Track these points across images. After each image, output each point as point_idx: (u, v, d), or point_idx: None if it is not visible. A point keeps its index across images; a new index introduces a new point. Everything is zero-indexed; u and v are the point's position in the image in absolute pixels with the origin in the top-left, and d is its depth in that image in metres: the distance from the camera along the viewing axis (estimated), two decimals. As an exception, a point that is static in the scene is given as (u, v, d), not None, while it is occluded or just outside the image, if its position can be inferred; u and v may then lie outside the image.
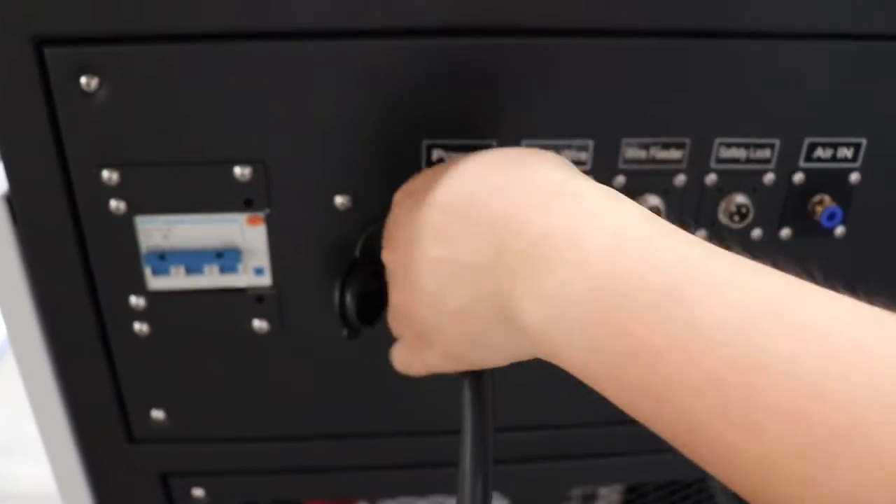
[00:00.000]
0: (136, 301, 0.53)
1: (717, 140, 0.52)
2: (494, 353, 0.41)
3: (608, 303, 0.32)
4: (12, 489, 1.69)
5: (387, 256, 0.45)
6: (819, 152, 0.53)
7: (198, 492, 0.63)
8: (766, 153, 0.52)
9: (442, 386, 0.47)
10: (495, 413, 0.44)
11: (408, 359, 0.46)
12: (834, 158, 0.53)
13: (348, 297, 0.49)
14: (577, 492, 0.84)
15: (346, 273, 0.50)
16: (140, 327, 0.54)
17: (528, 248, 0.35)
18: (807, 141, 0.52)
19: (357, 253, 0.51)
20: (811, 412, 0.26)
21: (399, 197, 0.46)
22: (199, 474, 0.62)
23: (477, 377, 0.44)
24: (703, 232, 0.54)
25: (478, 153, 0.41)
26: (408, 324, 0.44)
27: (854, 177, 0.54)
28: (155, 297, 0.53)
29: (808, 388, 0.26)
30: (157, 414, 0.59)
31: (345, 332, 0.51)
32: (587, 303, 0.33)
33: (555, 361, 0.36)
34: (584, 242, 0.34)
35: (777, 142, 0.52)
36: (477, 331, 0.40)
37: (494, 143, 0.50)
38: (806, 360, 0.27)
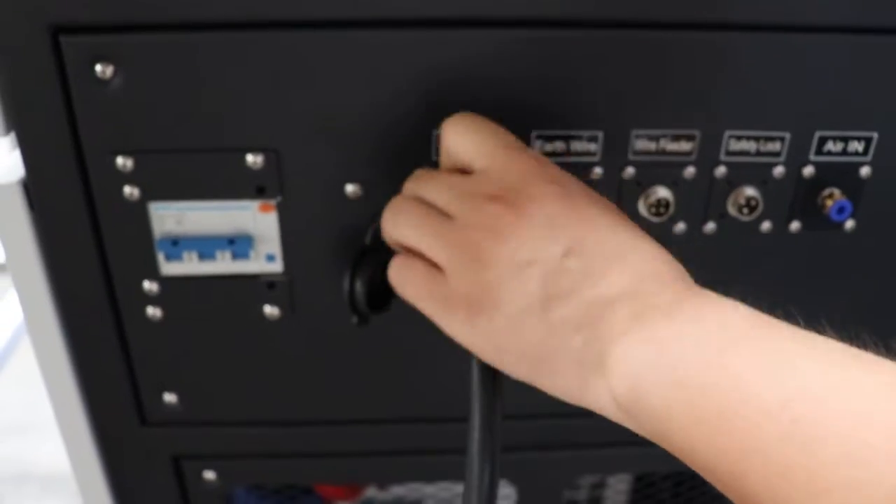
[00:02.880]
0: (149, 286, 0.54)
1: (727, 132, 0.52)
2: (548, 377, 0.40)
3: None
4: (29, 470, 1.72)
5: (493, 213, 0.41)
6: (829, 146, 0.52)
7: (209, 474, 0.64)
8: (776, 146, 0.52)
9: (452, 372, 0.47)
10: (503, 400, 0.44)
11: (435, 301, 0.43)
12: (844, 152, 0.53)
13: (358, 285, 0.50)
14: (586, 480, 0.84)
15: (355, 261, 0.50)
16: (153, 312, 0.55)
17: (663, 305, 0.37)
18: (817, 134, 0.52)
19: (367, 241, 0.52)
20: None
21: (536, 177, 0.42)
22: (210, 457, 0.63)
23: (487, 364, 0.44)
24: (711, 224, 0.54)
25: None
26: (476, 288, 0.41)
27: (865, 171, 0.53)
28: (168, 283, 0.54)
29: None
30: (170, 397, 0.59)
31: (354, 319, 0.51)
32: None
33: (631, 423, 0.38)
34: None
35: (787, 135, 0.52)
36: (554, 349, 0.39)
37: None
38: None
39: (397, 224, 0.45)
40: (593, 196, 0.42)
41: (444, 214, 0.43)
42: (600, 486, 0.85)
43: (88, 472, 0.63)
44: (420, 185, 0.46)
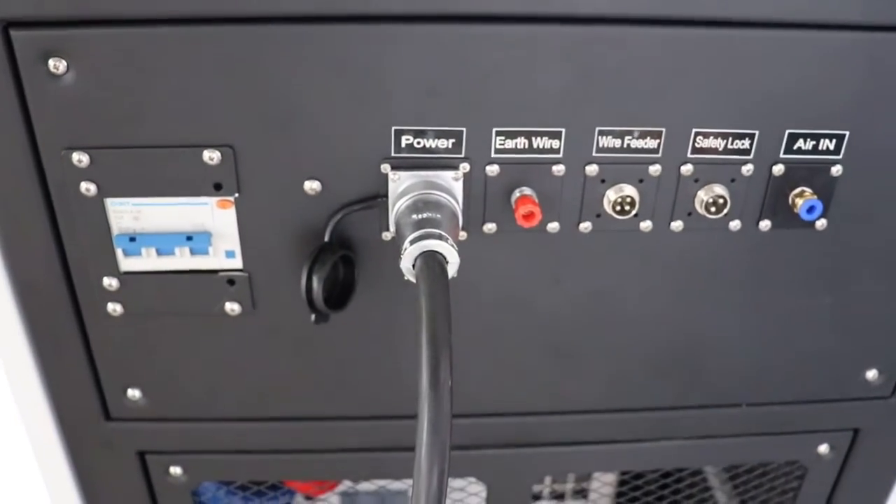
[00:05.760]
0: (108, 282, 0.54)
1: (694, 129, 0.51)
2: None
3: None
4: None
5: None
6: (800, 143, 0.52)
7: (175, 470, 0.63)
8: (744, 143, 0.51)
9: (412, 370, 0.46)
10: (451, 400, 0.43)
11: None
12: (815, 150, 0.52)
13: (315, 282, 0.49)
14: (569, 486, 0.84)
15: (313, 258, 0.50)
16: (114, 308, 0.55)
17: None
18: (787, 132, 0.51)
19: (326, 238, 0.51)
20: None
21: None
22: (176, 453, 0.63)
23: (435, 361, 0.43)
24: (678, 222, 0.54)
25: None
26: None
27: (836, 169, 0.53)
28: (127, 279, 0.54)
29: None
30: (134, 393, 0.59)
31: (313, 316, 0.51)
32: None
33: None
34: None
35: (756, 132, 0.51)
36: None
37: (465, 130, 0.49)
38: None
39: None
40: None
41: None
42: (583, 492, 0.84)
43: (55, 467, 0.62)
44: None
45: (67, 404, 0.60)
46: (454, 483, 0.71)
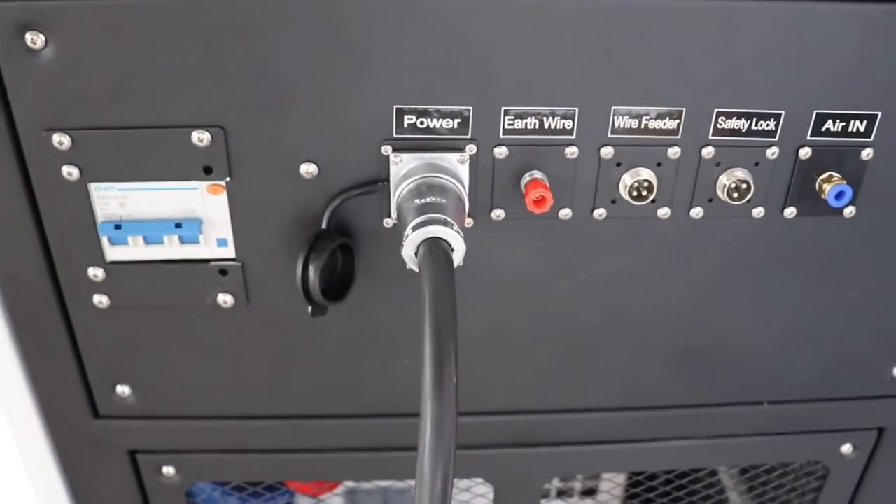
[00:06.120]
0: (94, 272, 0.52)
1: (716, 109, 0.48)
2: None
3: None
4: None
5: None
6: (829, 125, 0.50)
7: (168, 470, 0.61)
8: (769, 124, 0.49)
9: (414, 367, 0.44)
10: (457, 401, 0.41)
11: None
12: (845, 132, 0.50)
13: (311, 272, 0.47)
14: (577, 484, 0.83)
15: (309, 246, 0.47)
16: (100, 300, 0.53)
17: None
18: (815, 112, 0.49)
19: (324, 225, 0.49)
20: None
21: None
22: (168, 452, 0.61)
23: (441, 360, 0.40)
24: (698, 209, 0.51)
25: None
26: None
27: (866, 152, 0.50)
28: (114, 269, 0.51)
29: None
30: (123, 389, 0.57)
31: (309, 309, 0.49)
32: None
33: None
34: None
35: (782, 113, 0.49)
36: None
37: (471, 109, 0.47)
38: None
39: None
40: None
41: None
42: (592, 491, 0.82)
43: (42, 467, 0.60)
44: None
45: (54, 402, 0.58)
46: (460, 483, 0.70)
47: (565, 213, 0.51)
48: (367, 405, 0.59)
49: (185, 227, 0.49)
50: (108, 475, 0.61)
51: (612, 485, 0.81)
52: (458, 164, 0.48)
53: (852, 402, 0.63)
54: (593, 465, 0.69)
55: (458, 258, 0.43)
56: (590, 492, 0.83)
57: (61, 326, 0.54)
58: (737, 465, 0.78)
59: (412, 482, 0.70)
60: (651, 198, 0.50)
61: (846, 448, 0.66)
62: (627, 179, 0.50)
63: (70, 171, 0.48)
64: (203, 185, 0.49)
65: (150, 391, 0.57)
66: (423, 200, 0.45)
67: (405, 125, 0.47)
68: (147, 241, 0.50)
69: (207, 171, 0.48)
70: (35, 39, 0.44)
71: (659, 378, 0.60)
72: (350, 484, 0.75)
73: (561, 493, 0.83)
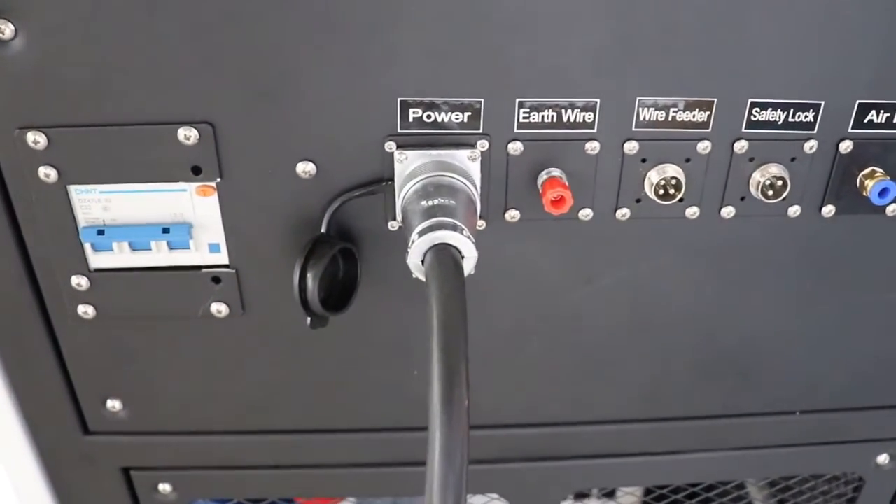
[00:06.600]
0: (77, 281, 0.49)
1: (750, 100, 0.47)
2: None
3: None
4: None
5: None
6: (872, 116, 0.48)
7: (164, 487, 0.60)
8: (808, 116, 0.47)
9: (422, 379, 0.42)
10: (468, 418, 0.38)
11: None
12: (889, 124, 0.48)
13: (310, 281, 0.45)
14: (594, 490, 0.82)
15: (307, 252, 0.45)
16: (85, 310, 0.51)
17: None
18: (857, 102, 0.47)
19: (323, 229, 0.47)
20: None
21: None
22: (164, 468, 0.59)
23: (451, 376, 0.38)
24: (730, 208, 0.50)
25: None
26: None
27: (913, 146, 0.49)
28: (98, 277, 0.49)
29: None
30: (113, 403, 0.56)
31: (308, 320, 0.47)
32: None
33: None
34: None
35: (822, 103, 0.47)
36: None
37: (482, 101, 0.45)
38: None
39: None
40: None
41: None
42: (611, 494, 0.81)
43: (30, 485, 0.59)
44: None
45: (41, 418, 0.56)
46: (474, 500, 0.68)
47: (586, 213, 0.49)
48: (371, 419, 0.58)
49: (173, 232, 0.47)
50: (100, 494, 0.60)
51: (633, 498, 0.79)
52: (468, 162, 0.46)
53: (889, 411, 0.62)
54: (614, 479, 0.68)
55: (468, 266, 0.41)
56: (610, 493, 0.82)
57: (45, 339, 0.52)
58: (767, 478, 0.76)
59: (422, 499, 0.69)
60: (679, 196, 0.48)
61: (882, 458, 0.65)
62: (653, 177, 0.48)
63: (47, 173, 0.45)
64: (192, 186, 0.46)
65: (142, 406, 0.56)
66: (430, 202, 0.43)
67: (410, 119, 0.45)
68: (133, 248, 0.48)
69: (196, 172, 0.46)
70: (3, 28, 0.41)
71: (684, 387, 0.58)
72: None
73: (579, 496, 0.82)
